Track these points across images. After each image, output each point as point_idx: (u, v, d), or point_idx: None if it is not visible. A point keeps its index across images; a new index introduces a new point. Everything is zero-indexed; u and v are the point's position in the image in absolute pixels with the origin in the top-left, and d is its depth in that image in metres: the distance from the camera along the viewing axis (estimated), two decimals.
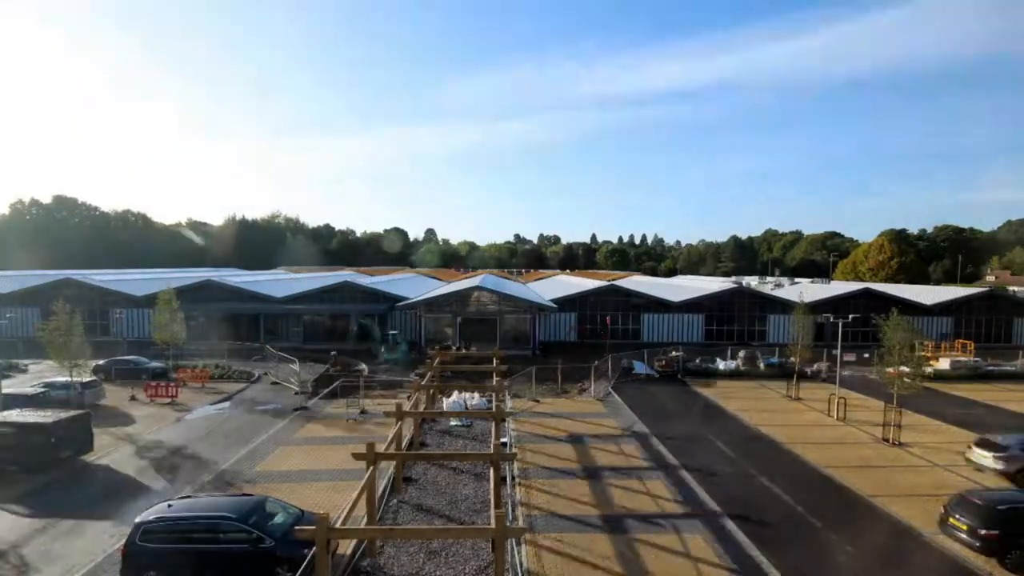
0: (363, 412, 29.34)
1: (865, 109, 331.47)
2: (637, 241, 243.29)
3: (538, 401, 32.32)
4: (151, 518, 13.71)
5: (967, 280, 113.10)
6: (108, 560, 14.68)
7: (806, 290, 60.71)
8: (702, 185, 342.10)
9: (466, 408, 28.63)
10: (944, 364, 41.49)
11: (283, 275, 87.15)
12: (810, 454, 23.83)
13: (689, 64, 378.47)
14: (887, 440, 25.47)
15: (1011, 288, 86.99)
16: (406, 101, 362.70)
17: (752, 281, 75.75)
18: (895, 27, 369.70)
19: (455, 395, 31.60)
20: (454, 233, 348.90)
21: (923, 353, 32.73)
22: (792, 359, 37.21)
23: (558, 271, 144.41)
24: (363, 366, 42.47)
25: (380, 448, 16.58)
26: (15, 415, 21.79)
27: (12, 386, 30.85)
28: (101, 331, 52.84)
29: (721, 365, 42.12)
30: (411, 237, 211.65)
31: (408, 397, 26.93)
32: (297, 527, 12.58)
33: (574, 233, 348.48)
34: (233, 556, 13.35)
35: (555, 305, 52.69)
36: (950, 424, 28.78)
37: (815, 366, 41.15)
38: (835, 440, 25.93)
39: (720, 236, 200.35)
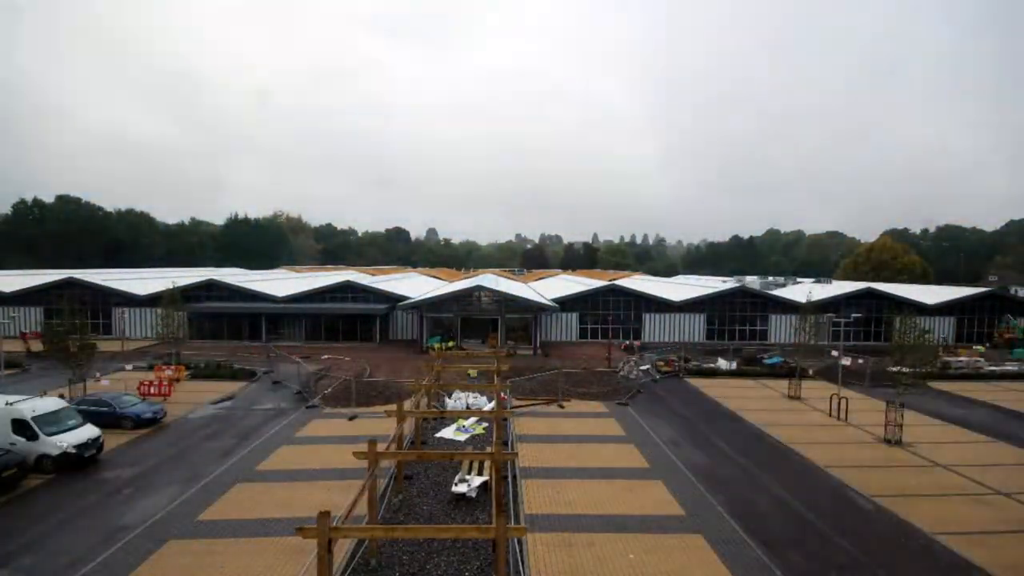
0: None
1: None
2: (639, 241, 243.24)
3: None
4: None
5: (969, 280, 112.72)
6: None
7: (808, 290, 60.62)
8: (703, 184, 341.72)
9: (467, 408, 28.69)
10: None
11: (284, 275, 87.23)
12: (811, 453, 23.85)
13: None
14: (888, 440, 25.44)
15: (1013, 288, 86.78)
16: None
17: (754, 281, 75.56)
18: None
19: (457, 395, 31.70)
20: (455, 233, 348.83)
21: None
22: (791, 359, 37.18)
23: (559, 271, 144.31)
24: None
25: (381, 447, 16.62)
26: None
27: None
28: (104, 330, 52.99)
29: (723, 364, 42.10)
30: (412, 237, 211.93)
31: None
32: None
33: (575, 233, 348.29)
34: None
35: (556, 305, 52.69)
36: (952, 424, 28.77)
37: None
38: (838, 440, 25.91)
39: (722, 236, 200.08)
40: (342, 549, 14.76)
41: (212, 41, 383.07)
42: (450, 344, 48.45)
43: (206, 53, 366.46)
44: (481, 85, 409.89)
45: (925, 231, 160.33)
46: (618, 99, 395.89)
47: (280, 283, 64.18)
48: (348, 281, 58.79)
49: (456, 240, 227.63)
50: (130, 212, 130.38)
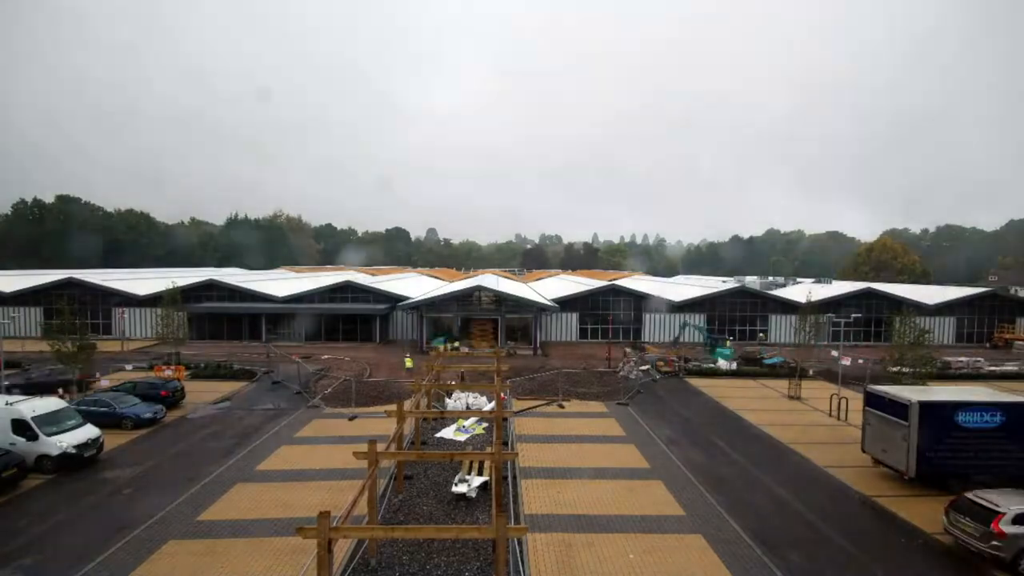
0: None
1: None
2: (639, 241, 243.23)
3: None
4: None
5: (969, 280, 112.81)
6: None
7: (808, 290, 60.64)
8: (704, 184, 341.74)
9: (467, 408, 28.67)
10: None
11: (284, 275, 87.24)
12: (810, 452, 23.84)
13: None
14: None
15: (1013, 288, 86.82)
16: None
17: (754, 281, 75.63)
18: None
19: (457, 395, 31.67)
20: (456, 233, 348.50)
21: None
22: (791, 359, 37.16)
23: (559, 271, 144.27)
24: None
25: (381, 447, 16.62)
26: None
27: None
28: (104, 330, 53.00)
29: (723, 364, 42.09)
30: (412, 237, 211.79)
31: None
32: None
33: (575, 232, 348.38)
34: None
35: (556, 305, 52.68)
36: None
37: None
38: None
39: (722, 236, 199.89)
40: (342, 549, 14.76)
41: (212, 40, 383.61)
42: (455, 345, 48.45)
43: (206, 53, 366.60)
44: (487, 85, 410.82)
45: (925, 231, 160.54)
46: (620, 100, 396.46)
47: (280, 283, 64.19)
48: (348, 281, 58.83)
49: (456, 240, 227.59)
50: (130, 212, 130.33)
